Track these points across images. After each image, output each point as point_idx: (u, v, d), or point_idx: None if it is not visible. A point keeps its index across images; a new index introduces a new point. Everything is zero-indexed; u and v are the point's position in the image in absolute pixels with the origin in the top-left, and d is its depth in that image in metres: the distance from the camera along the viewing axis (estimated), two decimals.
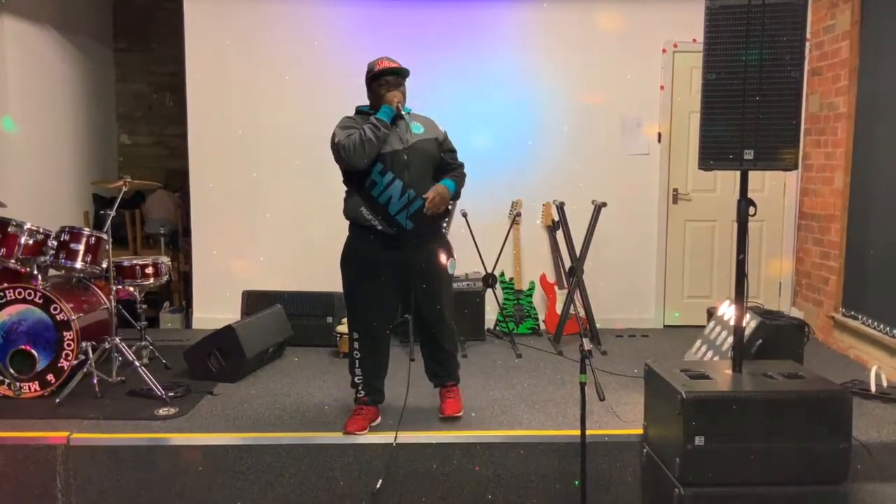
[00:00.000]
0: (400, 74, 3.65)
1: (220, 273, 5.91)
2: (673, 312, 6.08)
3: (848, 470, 3.17)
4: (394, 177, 3.53)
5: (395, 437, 3.63)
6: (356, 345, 3.75)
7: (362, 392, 3.79)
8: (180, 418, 3.92)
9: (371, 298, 3.68)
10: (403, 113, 3.60)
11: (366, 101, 3.74)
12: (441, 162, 3.73)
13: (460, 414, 3.88)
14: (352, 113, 3.73)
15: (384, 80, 3.62)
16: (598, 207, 5.49)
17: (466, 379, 4.32)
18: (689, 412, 3.10)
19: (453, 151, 3.80)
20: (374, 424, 3.79)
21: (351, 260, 3.72)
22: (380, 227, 3.57)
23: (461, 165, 3.79)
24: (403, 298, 3.72)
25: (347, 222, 3.71)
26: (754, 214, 3.34)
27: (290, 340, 5.17)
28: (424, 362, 3.98)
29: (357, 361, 3.76)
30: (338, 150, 3.52)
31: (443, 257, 3.74)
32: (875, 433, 3.69)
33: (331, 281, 5.37)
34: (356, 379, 3.79)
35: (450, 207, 3.92)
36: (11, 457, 3.60)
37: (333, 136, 3.57)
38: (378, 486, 3.57)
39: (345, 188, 3.70)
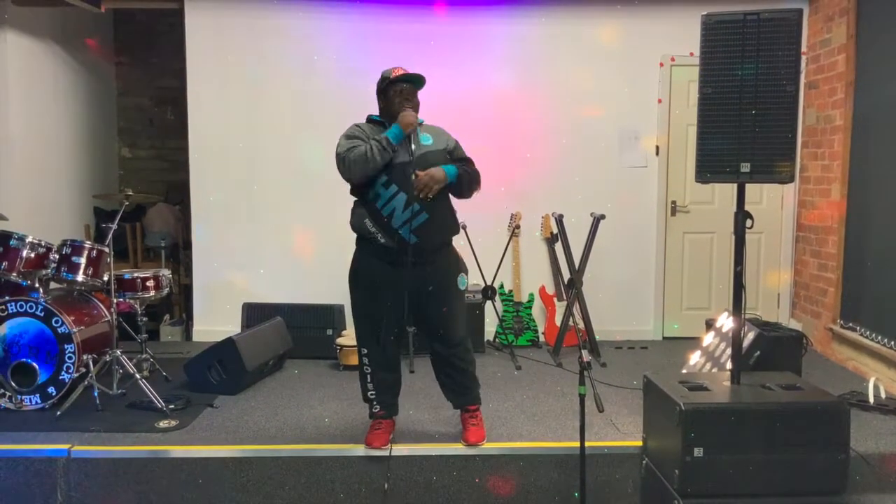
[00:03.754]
0: (416, 82, 3.58)
1: (221, 285, 5.92)
2: (672, 324, 6.09)
3: (846, 481, 3.18)
4: (398, 189, 3.44)
5: (390, 450, 3.62)
6: (365, 360, 3.68)
7: (377, 406, 3.72)
8: (181, 431, 3.93)
9: (377, 313, 3.59)
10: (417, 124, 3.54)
11: (366, 111, 3.71)
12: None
13: (484, 442, 3.72)
14: (357, 121, 3.69)
15: (400, 88, 3.54)
16: (597, 220, 5.52)
17: None
18: (687, 424, 3.11)
19: (465, 160, 3.67)
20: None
21: (357, 273, 3.65)
22: (382, 241, 3.49)
23: (471, 162, 3.68)
24: (410, 314, 3.61)
25: (350, 235, 3.68)
26: (751, 227, 3.36)
27: (290, 353, 5.18)
28: (440, 384, 3.82)
29: (368, 376, 3.69)
30: (338, 161, 3.48)
31: (452, 273, 3.64)
32: (873, 444, 3.70)
33: (331, 293, 5.42)
34: (370, 394, 3.71)
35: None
36: (12, 469, 3.61)
37: (338, 144, 3.52)
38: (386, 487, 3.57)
39: (353, 199, 3.63)
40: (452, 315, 3.66)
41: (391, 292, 3.53)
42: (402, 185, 3.45)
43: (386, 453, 3.63)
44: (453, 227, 3.69)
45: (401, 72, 3.59)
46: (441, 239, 3.61)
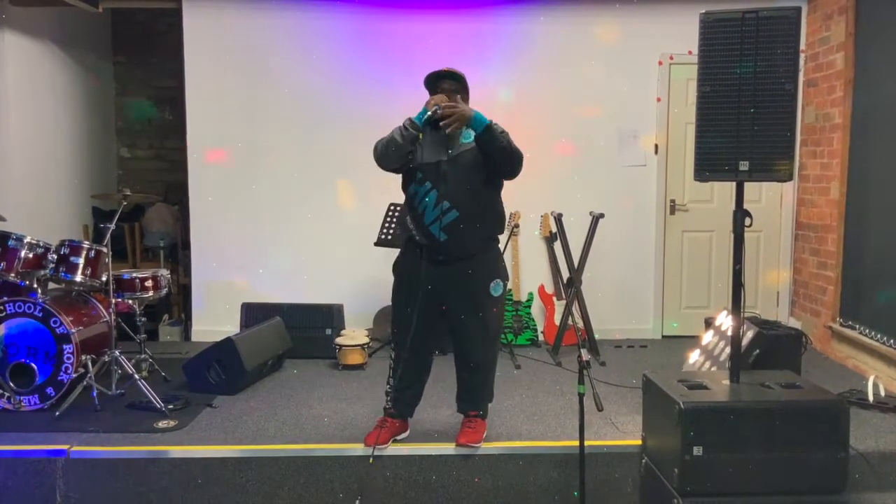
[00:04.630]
0: (453, 79, 3.54)
1: (220, 285, 5.91)
2: (671, 323, 6.09)
3: (846, 479, 3.18)
4: (431, 187, 3.45)
5: (372, 451, 3.60)
6: (393, 355, 3.69)
7: (389, 403, 3.71)
8: (179, 431, 3.93)
9: (408, 311, 3.53)
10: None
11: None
12: (486, 160, 3.46)
13: (476, 445, 3.66)
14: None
15: (437, 86, 3.52)
16: (596, 218, 5.51)
17: None
18: (687, 422, 3.11)
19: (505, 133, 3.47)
20: (398, 438, 3.74)
21: (397, 269, 3.68)
22: (418, 238, 3.51)
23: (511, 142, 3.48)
24: (441, 315, 3.57)
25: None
26: (750, 225, 3.36)
27: (289, 353, 5.17)
28: (457, 384, 3.78)
29: (391, 371, 3.70)
30: (373, 151, 3.49)
31: (484, 276, 3.55)
32: (873, 442, 3.70)
33: (330, 293, 5.43)
34: (388, 388, 3.71)
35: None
36: (11, 470, 3.61)
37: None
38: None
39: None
40: (479, 321, 3.57)
41: (422, 291, 3.49)
42: (434, 182, 3.45)
43: (385, 452, 3.63)
44: (490, 226, 3.61)
45: (440, 69, 3.57)
46: (474, 238, 3.52)
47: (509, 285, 5.78)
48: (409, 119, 3.41)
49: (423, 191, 3.47)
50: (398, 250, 3.82)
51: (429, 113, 3.39)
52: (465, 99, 3.60)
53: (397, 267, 3.69)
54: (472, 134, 3.44)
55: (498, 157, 3.44)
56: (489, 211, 3.61)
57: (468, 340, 3.62)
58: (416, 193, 3.50)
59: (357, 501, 3.57)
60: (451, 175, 3.44)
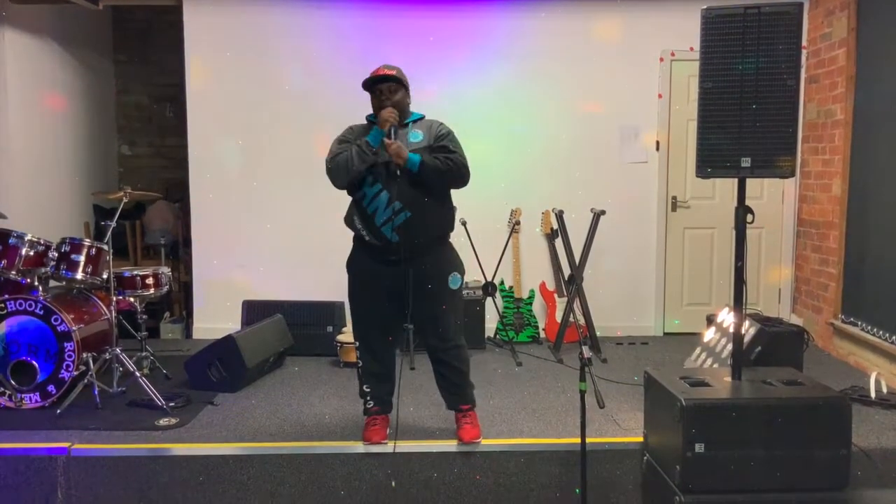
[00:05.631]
0: (389, 81, 3.50)
1: (221, 283, 5.91)
2: (672, 320, 6.08)
3: (848, 476, 3.17)
4: (381, 188, 3.44)
5: (395, 447, 3.64)
6: (358, 354, 3.71)
7: (371, 402, 3.73)
8: (181, 428, 3.93)
9: (368, 310, 3.62)
10: (409, 121, 3.54)
11: (365, 107, 3.68)
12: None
13: (478, 440, 3.70)
14: (354, 119, 3.68)
15: (377, 90, 3.52)
16: (597, 215, 5.51)
17: None
18: (688, 419, 3.11)
19: (446, 149, 3.50)
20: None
21: (351, 270, 3.69)
22: (367, 238, 3.51)
23: (453, 153, 3.49)
24: (402, 314, 3.60)
25: (348, 233, 3.67)
26: (752, 222, 3.35)
27: (290, 350, 5.18)
28: (437, 383, 3.80)
29: (360, 371, 3.73)
30: (326, 168, 3.50)
31: (442, 272, 3.59)
32: (875, 439, 3.70)
33: (331, 290, 5.42)
34: (364, 388, 3.73)
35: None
36: (13, 468, 3.60)
37: (329, 150, 3.53)
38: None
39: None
40: (443, 314, 3.62)
41: (380, 290, 3.56)
42: (385, 184, 3.45)
43: (388, 449, 3.64)
44: (442, 224, 3.64)
45: (375, 72, 3.56)
46: (426, 237, 3.54)
47: (510, 282, 5.83)
48: (366, 142, 3.43)
49: (373, 192, 3.47)
50: None
51: (384, 137, 3.41)
52: (407, 96, 3.60)
53: (351, 266, 3.68)
54: (421, 134, 3.53)
55: (438, 184, 3.51)
56: (440, 210, 3.61)
57: (436, 335, 3.64)
58: (365, 195, 3.49)
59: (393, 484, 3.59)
60: (403, 176, 3.43)
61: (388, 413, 3.82)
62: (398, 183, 3.43)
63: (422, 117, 3.64)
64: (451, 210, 3.72)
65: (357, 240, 3.64)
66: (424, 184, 3.46)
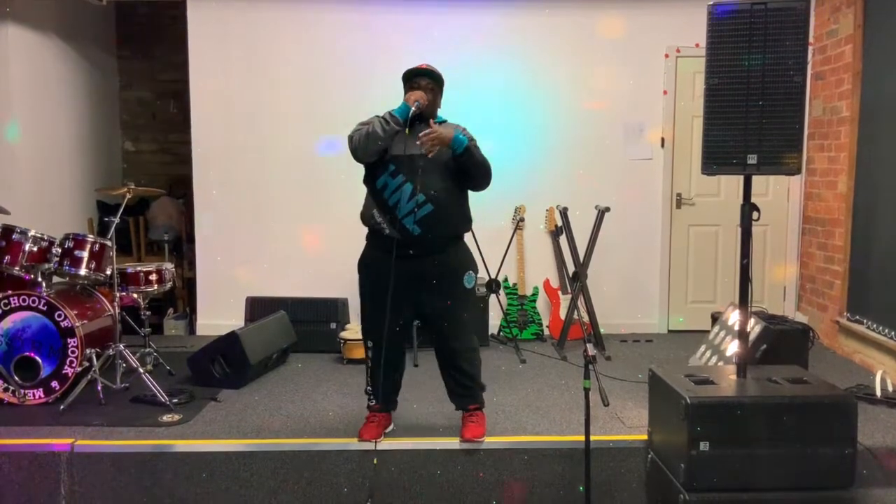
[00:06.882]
0: (431, 77, 3.56)
1: (224, 279, 5.91)
2: (677, 317, 6.07)
3: (853, 475, 3.16)
4: (405, 179, 3.43)
5: (375, 444, 3.61)
6: (369, 353, 3.68)
7: (373, 400, 3.73)
8: (184, 425, 3.93)
9: (381, 308, 3.54)
10: (434, 122, 3.47)
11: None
12: (460, 170, 3.53)
13: (481, 439, 3.66)
14: (361, 117, 3.68)
15: (415, 82, 3.54)
16: (602, 212, 5.49)
17: None
18: (693, 417, 3.10)
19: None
20: (387, 431, 3.76)
21: (364, 267, 3.65)
22: (387, 232, 3.48)
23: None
24: (415, 311, 3.61)
25: (353, 229, 3.65)
26: (758, 219, 3.33)
27: (293, 347, 5.17)
28: (444, 383, 3.76)
29: (369, 370, 3.71)
30: (348, 143, 3.49)
31: (457, 269, 3.58)
32: (881, 438, 3.68)
33: (334, 287, 5.42)
34: (368, 387, 3.72)
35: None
36: (16, 464, 3.60)
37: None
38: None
39: (357, 192, 3.61)
40: (456, 313, 3.60)
41: (396, 287, 3.50)
42: (408, 176, 3.44)
43: (391, 446, 3.63)
44: (462, 221, 3.65)
45: (417, 66, 3.59)
46: (447, 232, 3.56)
47: (514, 279, 5.81)
48: (390, 113, 3.43)
49: (396, 183, 3.46)
50: None
51: (413, 109, 3.41)
52: (439, 97, 3.63)
53: (365, 265, 3.66)
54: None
55: (475, 173, 3.53)
56: (459, 205, 3.63)
57: (448, 334, 3.62)
58: (387, 186, 3.48)
59: (368, 502, 3.56)
60: (427, 170, 3.43)
61: (391, 411, 3.81)
62: (422, 177, 3.42)
63: (444, 121, 3.62)
64: (468, 210, 3.70)
65: (372, 235, 3.61)
66: (459, 170, 3.49)
